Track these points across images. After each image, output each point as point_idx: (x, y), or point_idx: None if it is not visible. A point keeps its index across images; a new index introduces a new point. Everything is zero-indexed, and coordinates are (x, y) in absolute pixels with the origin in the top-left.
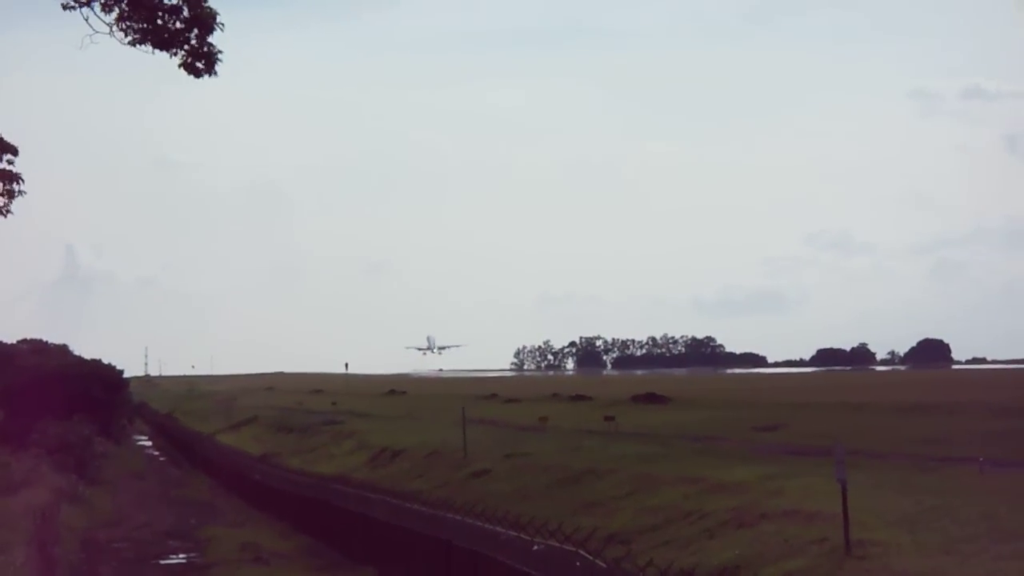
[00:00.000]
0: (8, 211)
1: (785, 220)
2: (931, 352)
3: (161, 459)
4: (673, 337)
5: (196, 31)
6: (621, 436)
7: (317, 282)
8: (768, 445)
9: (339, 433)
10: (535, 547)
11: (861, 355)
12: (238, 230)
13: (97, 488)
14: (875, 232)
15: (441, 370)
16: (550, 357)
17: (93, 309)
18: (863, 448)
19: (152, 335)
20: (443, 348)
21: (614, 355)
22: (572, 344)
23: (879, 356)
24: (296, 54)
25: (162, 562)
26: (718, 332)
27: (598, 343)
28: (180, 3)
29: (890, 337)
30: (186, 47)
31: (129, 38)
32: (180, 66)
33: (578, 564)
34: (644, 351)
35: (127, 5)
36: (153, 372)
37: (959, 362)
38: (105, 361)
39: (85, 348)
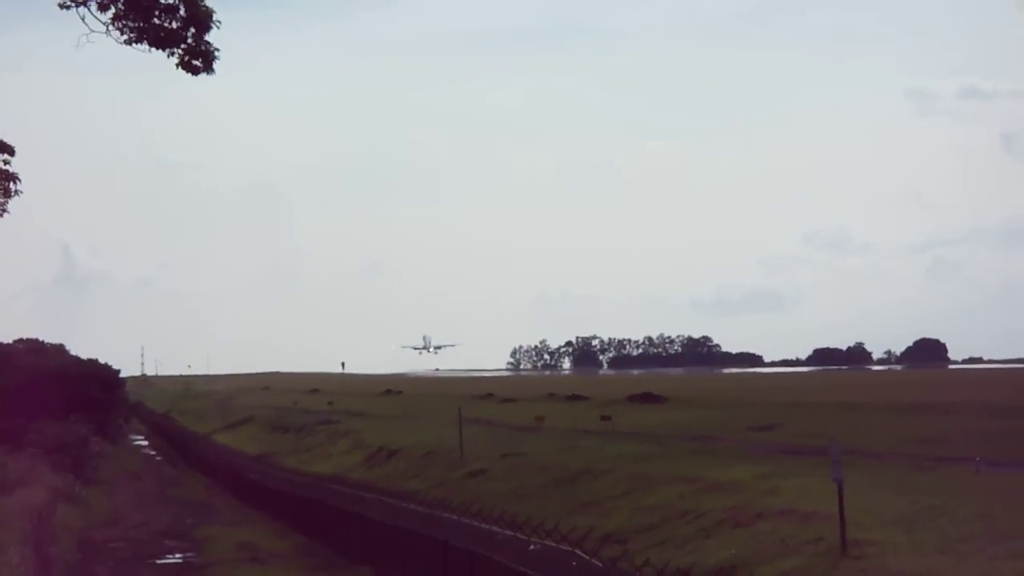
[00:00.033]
0: (4, 210)
1: (782, 219)
2: (928, 352)
3: (157, 459)
4: (669, 337)
5: (193, 30)
6: (617, 436)
7: (314, 282)
8: (764, 445)
9: (335, 433)
10: (531, 547)
11: (857, 355)
12: (235, 230)
13: (93, 488)
14: (872, 231)
15: (437, 370)
16: (546, 357)
17: (90, 309)
18: (859, 448)
19: (148, 335)
20: (439, 347)
21: (610, 355)
22: (568, 344)
23: (875, 356)
24: (293, 54)
25: (158, 562)
26: (714, 332)
27: (594, 343)
28: (176, 2)
29: (887, 336)
30: (183, 46)
31: (125, 37)
32: (178, 65)
33: (574, 564)
34: (640, 351)
35: (123, 4)
36: (149, 372)
37: (955, 362)
38: (101, 361)
39: (81, 348)
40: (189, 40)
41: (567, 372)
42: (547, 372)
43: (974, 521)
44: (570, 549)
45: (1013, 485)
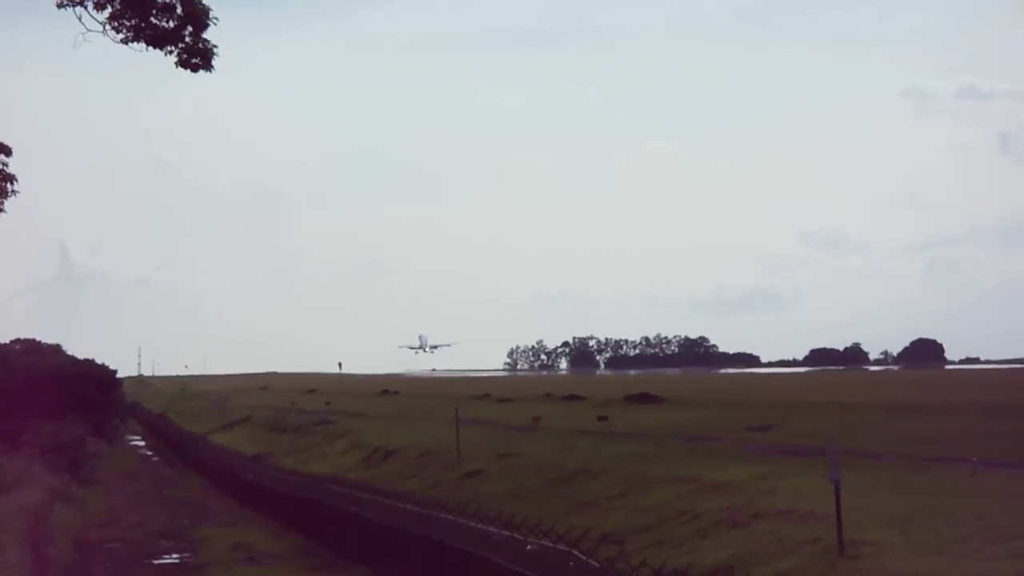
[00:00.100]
0: (2, 210)
1: (779, 219)
2: (925, 352)
3: (154, 459)
4: (666, 337)
5: (190, 28)
6: (614, 436)
7: (311, 282)
8: (761, 445)
9: (332, 433)
10: (528, 547)
11: (854, 355)
12: (232, 230)
13: (90, 488)
14: (869, 231)
15: (434, 370)
16: (543, 357)
17: (87, 309)
18: (856, 448)
19: (145, 335)
20: (435, 347)
21: (607, 355)
22: (565, 344)
23: (872, 356)
24: (291, 53)
25: (155, 562)
26: (712, 332)
27: (591, 343)
28: (173, 1)
29: (884, 337)
30: (181, 44)
31: (122, 36)
32: (177, 63)
33: (571, 564)
34: (637, 351)
35: (120, 3)
36: (146, 372)
37: (952, 362)
38: (98, 361)
39: (78, 348)
40: (187, 38)
41: (564, 372)
42: (544, 372)
43: (971, 521)
44: (567, 549)
45: (1010, 485)
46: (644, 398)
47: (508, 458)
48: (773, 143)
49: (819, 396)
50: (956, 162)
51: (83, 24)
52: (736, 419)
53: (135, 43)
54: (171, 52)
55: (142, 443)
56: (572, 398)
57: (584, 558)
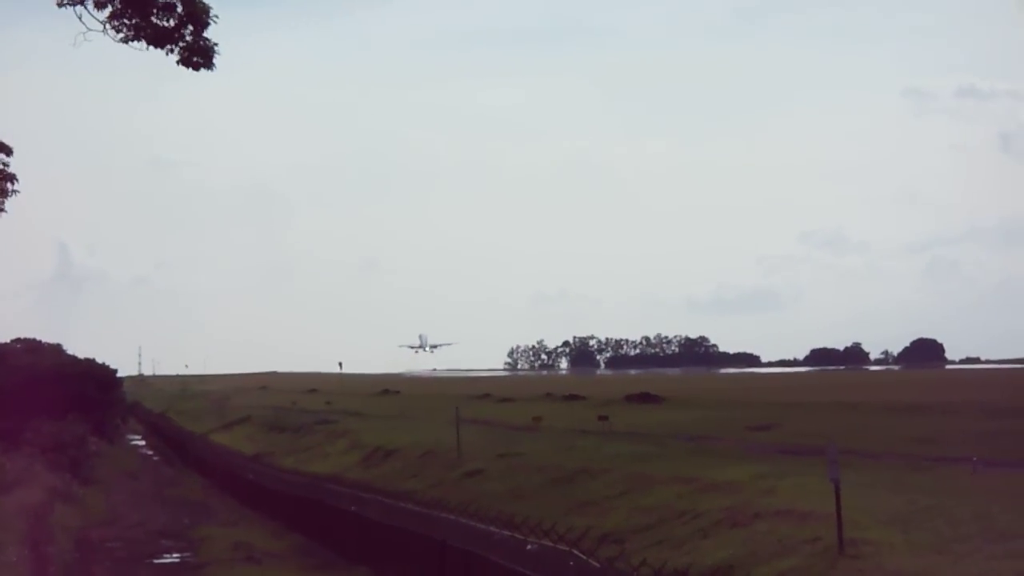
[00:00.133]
0: (2, 210)
1: (779, 219)
2: (925, 352)
3: (154, 458)
4: (667, 337)
5: (191, 27)
6: (615, 436)
7: (311, 281)
8: (761, 445)
9: (332, 432)
10: (529, 547)
11: (855, 355)
12: (232, 229)
13: (91, 487)
14: (869, 231)
15: (435, 370)
16: (544, 357)
17: (87, 308)
18: (856, 448)
19: (146, 334)
20: (435, 346)
21: (608, 355)
22: (566, 344)
23: (873, 356)
24: (290, 52)
25: (155, 561)
26: (712, 331)
27: (592, 343)
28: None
29: (884, 336)
30: (181, 43)
31: (122, 35)
32: (178, 62)
33: (572, 564)
34: (638, 351)
35: (120, 2)
36: (146, 371)
37: (953, 362)
38: (99, 360)
39: (78, 347)
40: (188, 37)
41: (564, 372)
42: (544, 372)
43: (971, 521)
44: (567, 549)
45: (1010, 485)
46: (644, 398)
47: (508, 458)
48: (773, 142)
49: (819, 396)
50: (956, 162)
51: (83, 23)
52: (736, 419)
53: (135, 42)
54: (172, 51)
55: (142, 442)
56: (572, 398)
57: (584, 558)
